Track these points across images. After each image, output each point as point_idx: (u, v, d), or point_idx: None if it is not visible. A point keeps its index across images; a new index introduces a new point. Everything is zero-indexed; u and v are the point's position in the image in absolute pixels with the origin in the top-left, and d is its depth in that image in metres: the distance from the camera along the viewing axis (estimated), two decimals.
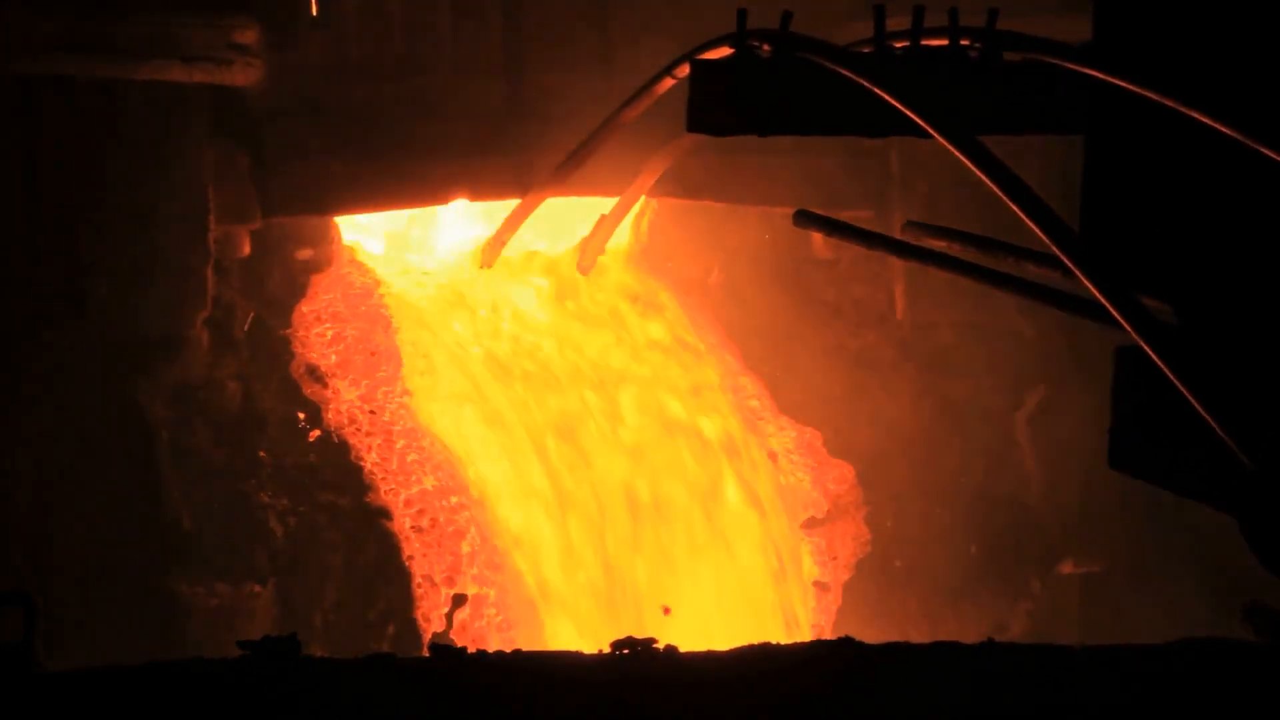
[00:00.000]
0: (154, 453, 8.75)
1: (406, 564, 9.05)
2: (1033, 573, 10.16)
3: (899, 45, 6.04)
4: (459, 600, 9.03)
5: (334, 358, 9.36)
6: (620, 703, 4.42)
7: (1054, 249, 4.88)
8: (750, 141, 6.30)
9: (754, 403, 10.21)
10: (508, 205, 9.59)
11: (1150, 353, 4.55)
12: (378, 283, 9.76)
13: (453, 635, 8.91)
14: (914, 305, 10.23)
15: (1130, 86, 4.82)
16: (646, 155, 9.19)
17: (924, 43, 6.07)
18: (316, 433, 9.20)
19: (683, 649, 4.86)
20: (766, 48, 5.98)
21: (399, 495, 9.12)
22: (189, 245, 8.78)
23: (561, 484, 9.44)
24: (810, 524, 10.02)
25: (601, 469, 9.59)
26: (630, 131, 8.77)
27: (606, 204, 9.83)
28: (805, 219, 6.66)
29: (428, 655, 4.91)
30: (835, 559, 10.03)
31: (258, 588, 8.87)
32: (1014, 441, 10.20)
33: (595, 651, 4.90)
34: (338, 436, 9.20)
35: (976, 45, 5.99)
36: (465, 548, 9.04)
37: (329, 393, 9.28)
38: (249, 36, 8.71)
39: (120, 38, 8.38)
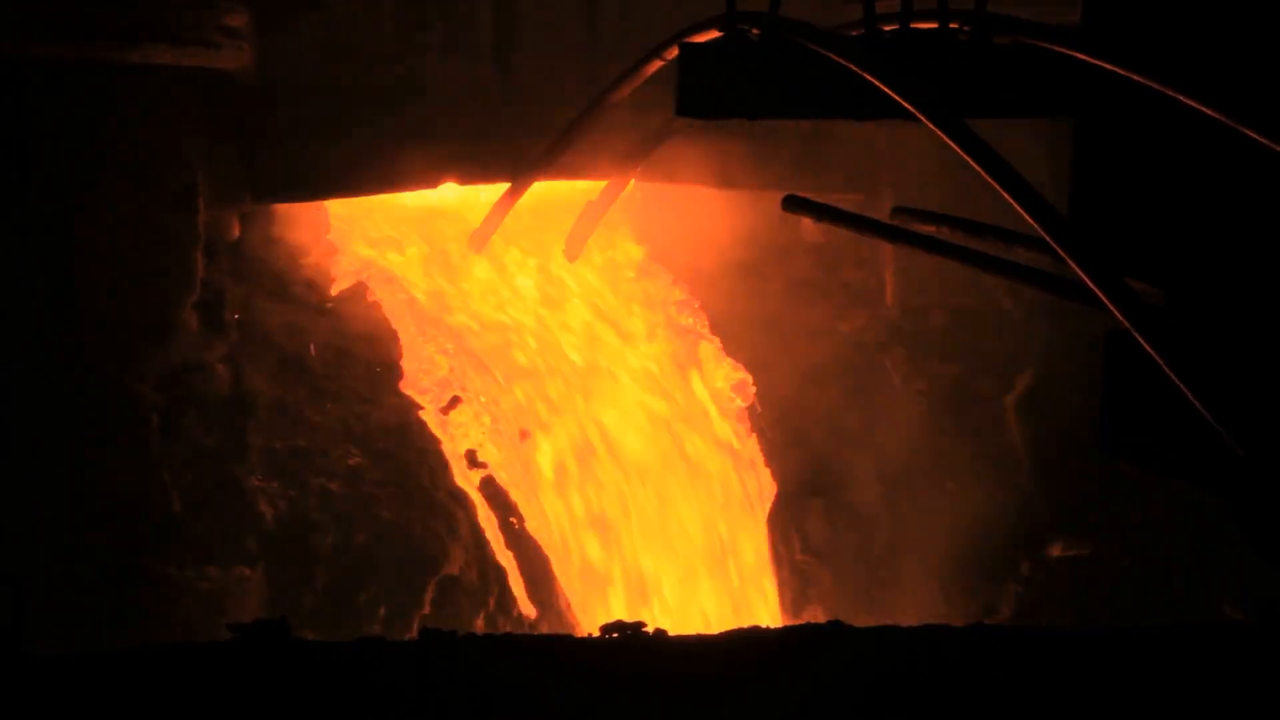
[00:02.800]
0: (143, 436, 8.74)
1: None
2: (1022, 555, 10.17)
3: (888, 28, 6.04)
4: (447, 583, 9.03)
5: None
6: (612, 684, 4.43)
7: (1042, 233, 4.89)
8: (740, 125, 6.31)
9: (739, 389, 10.20)
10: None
11: (1138, 337, 4.56)
12: (370, 266, 9.75)
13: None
14: (903, 289, 10.23)
15: (1120, 70, 4.82)
16: (635, 140, 9.17)
17: (913, 26, 6.06)
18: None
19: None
20: (755, 31, 5.97)
21: (390, 479, 9.12)
22: (178, 229, 8.77)
23: (547, 477, 9.46)
24: (798, 508, 10.02)
25: (583, 457, 9.60)
26: (620, 115, 8.76)
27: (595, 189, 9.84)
28: (794, 204, 6.67)
29: (418, 638, 4.91)
30: (824, 542, 10.05)
31: (247, 571, 8.86)
32: (1003, 424, 10.21)
33: (585, 635, 4.92)
34: (329, 420, 9.18)
35: (965, 28, 5.98)
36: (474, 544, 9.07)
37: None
38: (239, 20, 8.69)
39: (110, 21, 8.36)
